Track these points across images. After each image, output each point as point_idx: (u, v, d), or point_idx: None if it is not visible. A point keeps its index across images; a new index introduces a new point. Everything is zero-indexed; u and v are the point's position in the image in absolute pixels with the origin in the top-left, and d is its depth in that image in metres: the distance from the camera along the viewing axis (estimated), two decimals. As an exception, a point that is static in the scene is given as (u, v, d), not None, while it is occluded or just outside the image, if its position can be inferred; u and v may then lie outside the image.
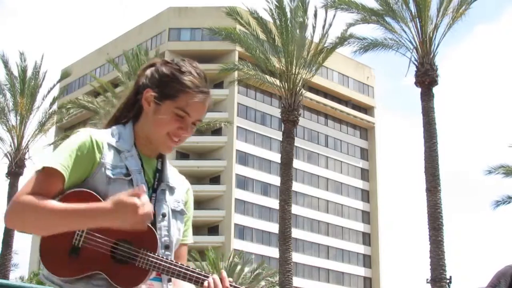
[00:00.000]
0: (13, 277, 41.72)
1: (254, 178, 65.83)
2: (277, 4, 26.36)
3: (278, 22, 26.56)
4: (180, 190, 2.44)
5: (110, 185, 2.22)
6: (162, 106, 2.31)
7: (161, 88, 2.34)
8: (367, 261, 72.44)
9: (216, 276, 2.26)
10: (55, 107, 32.31)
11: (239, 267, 39.57)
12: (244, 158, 66.00)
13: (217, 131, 61.79)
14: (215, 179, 65.19)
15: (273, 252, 53.00)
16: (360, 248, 72.25)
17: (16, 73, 31.09)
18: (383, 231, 77.23)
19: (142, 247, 2.21)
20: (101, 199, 2.18)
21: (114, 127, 2.36)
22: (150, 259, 2.21)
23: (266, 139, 67.89)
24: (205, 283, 2.24)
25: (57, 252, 2.19)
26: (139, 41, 60.04)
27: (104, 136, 2.29)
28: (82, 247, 2.19)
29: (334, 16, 26.50)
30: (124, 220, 2.10)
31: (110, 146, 2.28)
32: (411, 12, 24.80)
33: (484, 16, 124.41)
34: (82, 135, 2.25)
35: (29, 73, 31.28)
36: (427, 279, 23.46)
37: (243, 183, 65.09)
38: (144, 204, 2.11)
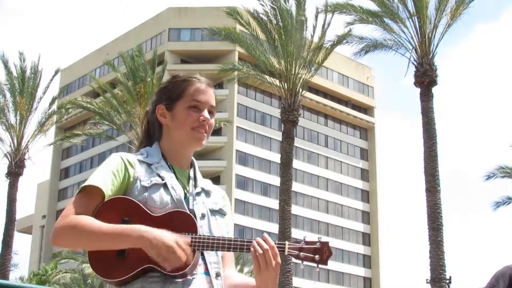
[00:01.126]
0: (13, 277, 41.70)
1: (254, 178, 65.85)
2: (273, 5, 26.36)
3: (277, 22, 26.56)
4: (216, 195, 2.63)
5: (147, 192, 2.41)
6: (175, 109, 2.54)
7: (167, 96, 2.57)
8: (367, 261, 72.44)
9: (259, 239, 2.35)
10: (54, 107, 32.29)
11: (238, 267, 39.55)
12: (244, 158, 66.01)
13: (217, 131, 61.77)
14: (215, 179, 65.12)
15: (273, 252, 52.87)
16: (360, 248, 72.26)
17: (15, 73, 31.09)
18: (383, 231, 77.19)
19: (185, 232, 2.34)
20: (133, 199, 2.38)
21: (142, 149, 2.58)
22: (198, 240, 2.33)
23: (266, 139, 67.89)
24: (252, 248, 2.33)
25: (105, 258, 2.32)
26: (138, 41, 60.01)
27: (134, 155, 2.52)
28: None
29: (332, 16, 26.50)
30: (157, 253, 2.26)
31: (141, 162, 2.49)
32: (409, 12, 24.80)
33: (483, 16, 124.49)
34: (114, 157, 2.48)
35: (28, 73, 31.26)
36: (426, 279, 23.46)
37: (243, 183, 65.10)
38: (183, 249, 2.28)
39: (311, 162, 70.89)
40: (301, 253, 2.34)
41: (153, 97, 2.69)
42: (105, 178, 2.38)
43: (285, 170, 25.69)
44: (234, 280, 2.54)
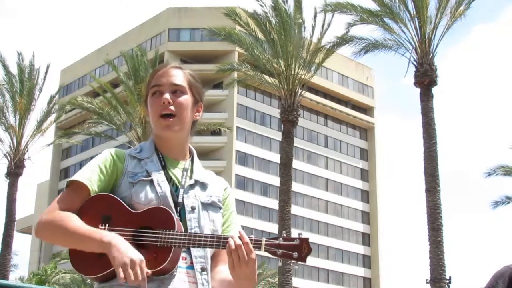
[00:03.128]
0: (13, 277, 41.70)
1: (253, 178, 65.85)
2: (273, 4, 26.37)
3: (276, 22, 26.56)
4: (216, 188, 2.58)
5: (133, 188, 2.42)
6: (147, 102, 2.56)
7: (145, 95, 2.61)
8: (367, 261, 72.44)
9: (234, 236, 2.31)
10: (53, 106, 32.26)
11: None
12: (243, 159, 66.02)
13: (216, 132, 61.70)
14: (214, 180, 65.19)
15: (273, 252, 52.91)
16: (360, 249, 72.25)
17: (14, 73, 31.09)
18: (383, 231, 77.25)
19: (162, 228, 2.32)
20: (118, 199, 2.38)
21: (138, 144, 2.62)
22: (169, 236, 2.30)
23: (265, 139, 67.89)
24: (228, 245, 2.28)
25: (84, 254, 2.32)
26: (138, 41, 60.05)
27: (125, 150, 2.54)
28: None
29: (333, 16, 26.51)
30: (118, 265, 2.22)
31: (131, 156, 2.50)
32: (409, 13, 24.81)
33: (483, 16, 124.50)
34: (103, 153, 2.49)
35: (26, 72, 31.24)
36: (426, 280, 23.43)
37: (243, 183, 65.10)
38: (139, 268, 2.21)
39: (311, 162, 70.89)
40: (279, 250, 2.27)
41: None
42: (92, 173, 2.40)
43: (285, 170, 25.70)
44: (223, 275, 2.49)
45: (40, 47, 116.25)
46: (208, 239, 2.31)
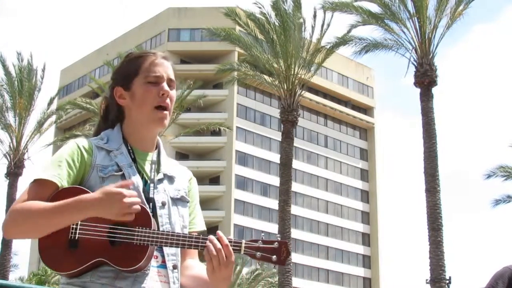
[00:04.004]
0: (13, 277, 41.69)
1: (253, 178, 65.83)
2: (273, 4, 26.37)
3: (276, 22, 26.57)
4: (181, 180, 2.53)
5: (104, 183, 2.30)
6: (133, 88, 2.43)
7: (123, 76, 2.46)
8: (367, 261, 72.43)
9: (212, 237, 2.28)
10: (53, 107, 32.28)
11: (238, 267, 39.53)
12: (243, 159, 66.00)
13: (216, 132, 61.74)
14: (214, 180, 65.19)
15: (273, 252, 52.88)
16: (360, 249, 72.24)
17: (13, 73, 31.09)
18: (383, 231, 77.25)
19: (138, 226, 2.25)
20: (87, 190, 2.27)
21: (102, 133, 2.47)
22: (146, 234, 2.24)
23: (265, 139, 67.88)
24: (209, 251, 2.24)
25: (56, 249, 2.25)
26: (138, 41, 60.07)
27: (92, 141, 2.40)
28: (80, 239, 2.25)
29: (332, 16, 26.53)
30: (111, 208, 2.16)
31: (99, 148, 2.38)
32: (409, 13, 24.81)
33: (483, 16, 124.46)
34: (69, 145, 2.37)
35: (26, 72, 31.24)
36: (426, 280, 23.45)
37: (243, 183, 65.08)
38: (131, 194, 2.18)
39: (310, 162, 70.88)
40: (258, 253, 2.25)
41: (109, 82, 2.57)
42: (60, 169, 2.29)
43: (285, 170, 25.70)
44: (194, 271, 2.46)
45: (40, 47, 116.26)
46: (187, 239, 2.27)
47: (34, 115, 31.74)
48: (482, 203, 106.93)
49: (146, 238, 2.24)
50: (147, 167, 2.43)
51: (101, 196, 2.16)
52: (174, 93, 2.46)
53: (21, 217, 2.21)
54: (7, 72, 30.86)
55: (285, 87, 26.94)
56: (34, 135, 31.11)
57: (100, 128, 2.52)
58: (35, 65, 31.55)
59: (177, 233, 2.30)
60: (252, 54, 27.12)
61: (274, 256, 2.26)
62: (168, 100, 2.43)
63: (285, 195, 25.32)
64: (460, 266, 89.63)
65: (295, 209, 49.65)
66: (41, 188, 2.27)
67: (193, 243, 2.27)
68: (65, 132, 50.49)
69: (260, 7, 26.33)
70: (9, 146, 30.77)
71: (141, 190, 2.35)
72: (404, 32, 25.06)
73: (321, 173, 71.58)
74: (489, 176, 27.02)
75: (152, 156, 2.47)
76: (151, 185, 2.40)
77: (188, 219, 2.51)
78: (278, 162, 27.53)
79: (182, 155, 64.64)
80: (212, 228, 63.07)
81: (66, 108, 32.43)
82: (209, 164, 64.99)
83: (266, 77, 27.84)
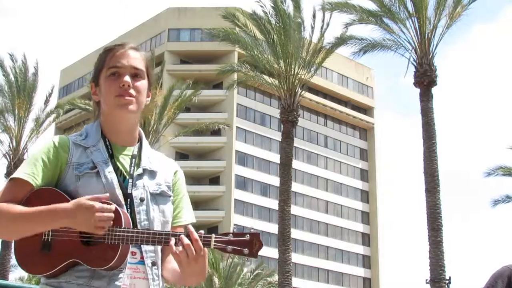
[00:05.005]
0: (13, 278, 41.68)
1: (253, 178, 65.83)
2: (273, 5, 26.38)
3: (275, 23, 26.57)
4: (165, 173, 2.50)
5: (79, 181, 2.31)
6: (100, 82, 2.45)
7: (94, 71, 2.49)
8: (367, 261, 72.43)
9: (183, 236, 2.26)
10: (51, 107, 32.28)
11: (238, 267, 39.52)
12: (243, 159, 66.00)
13: (216, 132, 61.75)
14: (214, 180, 65.19)
15: (273, 252, 52.99)
16: (360, 249, 72.24)
17: (12, 74, 31.10)
18: (383, 231, 77.18)
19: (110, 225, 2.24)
20: (62, 193, 2.29)
21: (83, 128, 2.48)
22: (117, 233, 2.23)
23: (265, 139, 67.88)
24: (171, 242, 2.23)
25: (29, 252, 2.27)
26: (138, 41, 60.01)
27: (69, 138, 2.41)
28: (53, 241, 2.27)
29: (331, 16, 26.52)
30: (81, 222, 2.18)
31: (76, 145, 2.39)
32: (408, 13, 24.81)
33: (482, 16, 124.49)
34: (45, 144, 2.38)
35: (23, 72, 31.24)
36: (426, 280, 23.45)
37: (243, 183, 65.08)
38: (103, 209, 2.19)
39: (310, 163, 70.88)
40: (229, 247, 2.23)
41: None
42: (35, 167, 2.30)
43: (285, 170, 25.70)
44: (172, 264, 2.45)
45: (40, 47, 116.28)
46: (157, 236, 2.25)
47: (33, 115, 31.75)
48: (481, 203, 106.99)
49: (117, 237, 2.22)
50: (126, 162, 2.42)
51: (73, 208, 2.19)
52: (142, 82, 2.43)
53: None
54: (5, 73, 30.89)
55: (285, 87, 26.94)
56: (33, 135, 31.13)
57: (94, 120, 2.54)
58: (34, 65, 31.57)
59: (147, 230, 2.27)
60: (252, 54, 27.11)
61: (246, 249, 2.23)
62: (132, 91, 2.40)
63: (285, 195, 25.32)
64: (460, 266, 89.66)
65: (295, 209, 49.65)
66: (16, 187, 2.29)
67: (163, 240, 2.25)
68: (65, 132, 50.48)
69: (262, 6, 26.34)
70: (9, 146, 30.80)
71: (116, 186, 2.34)
72: (403, 32, 25.07)
73: (321, 173, 71.58)
74: (489, 174, 27.08)
75: (133, 150, 2.45)
76: (130, 180, 2.38)
77: (171, 214, 2.48)
78: (278, 162, 27.53)
79: (182, 155, 64.64)
80: (212, 228, 63.06)
81: (65, 107, 32.40)
82: (209, 164, 64.99)
83: (266, 77, 27.84)
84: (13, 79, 30.94)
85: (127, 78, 2.39)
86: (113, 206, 2.23)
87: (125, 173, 2.39)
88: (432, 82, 24.38)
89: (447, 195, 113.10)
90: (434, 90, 24.43)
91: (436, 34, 24.82)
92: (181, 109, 31.38)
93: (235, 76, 31.84)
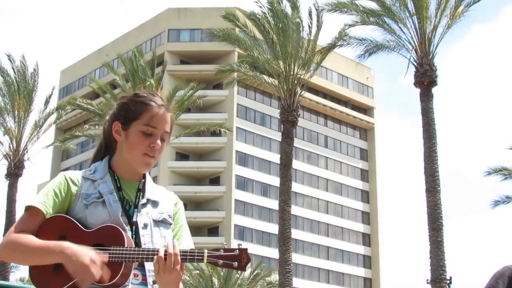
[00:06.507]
0: (13, 278, 41.68)
1: (253, 179, 65.82)
2: (269, 6, 26.39)
3: (274, 23, 26.57)
4: (167, 204, 2.74)
5: (87, 209, 2.57)
6: (130, 130, 2.64)
7: (125, 115, 2.66)
8: (367, 261, 72.42)
9: (160, 250, 2.47)
10: (51, 107, 32.26)
11: (236, 275, 39.49)
12: (243, 159, 66.00)
13: (216, 132, 61.78)
14: (214, 180, 65.18)
15: (273, 253, 53.01)
16: (360, 249, 72.24)
17: (12, 75, 31.10)
18: (383, 231, 77.18)
19: (113, 245, 2.48)
20: (72, 219, 2.54)
21: (92, 165, 2.73)
22: (119, 252, 2.47)
23: (265, 140, 67.87)
24: (155, 258, 2.46)
25: (43, 272, 2.50)
26: (138, 42, 59.95)
27: (80, 173, 2.67)
28: None
29: (329, 15, 26.55)
30: (73, 271, 2.41)
31: (85, 179, 2.64)
32: (409, 13, 24.80)
33: (482, 15, 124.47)
34: (58, 177, 2.64)
35: (22, 73, 31.23)
36: (427, 280, 23.43)
37: (243, 184, 65.08)
38: (93, 265, 2.40)
39: (310, 163, 70.87)
40: (220, 261, 2.45)
41: (113, 109, 2.76)
42: (47, 197, 2.56)
43: (285, 170, 25.70)
44: None
45: (40, 48, 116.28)
46: (150, 253, 2.47)
47: (33, 116, 31.76)
48: (481, 204, 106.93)
49: (118, 255, 2.45)
50: (132, 193, 2.66)
51: (73, 257, 2.41)
52: (165, 144, 2.68)
53: (11, 250, 2.50)
54: (4, 74, 30.88)
55: (285, 87, 26.94)
56: (33, 136, 31.12)
57: (97, 154, 2.76)
58: (28, 65, 31.59)
59: (146, 249, 2.51)
60: (252, 54, 27.12)
61: (235, 263, 2.45)
62: (156, 151, 2.64)
63: (285, 195, 25.32)
64: (461, 266, 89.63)
65: (295, 210, 49.64)
66: (31, 215, 2.54)
67: (150, 257, 2.48)
68: (65, 132, 50.43)
69: (260, 6, 26.36)
70: (9, 147, 30.80)
71: (119, 214, 2.57)
72: (404, 32, 25.06)
73: (321, 173, 71.57)
74: (489, 174, 27.07)
75: (139, 184, 2.69)
76: (135, 209, 2.62)
77: (171, 239, 2.68)
78: (278, 162, 27.53)
79: (182, 155, 64.62)
80: (212, 229, 63.11)
81: (65, 108, 32.41)
82: (209, 165, 64.99)
83: (266, 77, 27.84)
84: (12, 79, 30.94)
85: (158, 141, 2.63)
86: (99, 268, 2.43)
87: (131, 203, 2.64)
88: (433, 82, 24.38)
89: (447, 195, 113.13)
90: (434, 90, 24.44)
91: (437, 34, 24.82)
92: (183, 110, 31.40)
93: (235, 75, 31.82)
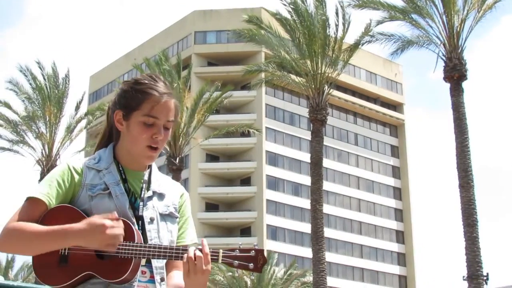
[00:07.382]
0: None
1: (284, 178, 65.76)
2: (293, 6, 26.32)
3: (300, 21, 26.49)
4: (172, 196, 2.65)
5: (92, 201, 2.47)
6: (130, 120, 2.53)
7: (125, 103, 2.55)
8: (402, 259, 71.89)
9: (194, 249, 2.38)
10: (81, 113, 32.59)
11: (273, 268, 39.51)
12: (274, 159, 65.97)
13: (246, 133, 61.83)
14: (245, 181, 65.24)
15: (306, 252, 52.90)
16: (394, 246, 71.74)
17: (43, 81, 31.47)
18: (417, 228, 76.57)
19: (124, 240, 2.37)
20: (77, 209, 2.45)
21: (96, 153, 2.63)
22: (130, 248, 2.37)
23: (295, 139, 67.78)
24: (185, 257, 2.36)
25: (48, 265, 2.41)
26: (165, 45, 60.30)
27: (83, 162, 2.57)
28: (69, 254, 2.42)
29: (358, 13, 26.40)
30: (93, 240, 2.30)
31: (89, 168, 2.54)
32: (436, 7, 24.55)
33: (510, 6, 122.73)
34: (60, 166, 2.54)
35: (53, 80, 31.58)
36: (463, 277, 23.15)
37: (274, 183, 65.05)
38: (114, 226, 2.30)
39: (341, 161, 70.60)
40: (235, 262, 2.36)
41: (115, 95, 2.66)
42: (50, 188, 2.45)
43: (316, 169, 25.61)
44: (174, 280, 2.57)
45: (68, 54, 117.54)
46: (168, 250, 2.39)
47: (64, 122, 32.13)
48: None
49: (130, 252, 2.37)
50: (137, 185, 2.57)
51: (84, 228, 2.30)
52: (168, 133, 2.56)
53: (14, 237, 2.36)
54: (35, 81, 31.26)
55: (313, 86, 26.85)
56: (65, 141, 31.46)
57: (100, 142, 2.67)
58: (60, 71, 32.00)
59: (158, 245, 2.42)
60: (279, 54, 27.08)
61: (251, 264, 2.36)
62: (160, 142, 2.53)
63: (316, 194, 25.25)
64: (498, 262, 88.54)
65: (327, 208, 49.44)
66: (32, 206, 2.43)
67: (173, 254, 2.39)
68: (96, 137, 50.94)
69: (285, 5, 26.31)
70: (41, 153, 31.17)
71: (126, 207, 2.48)
72: (431, 27, 24.81)
73: (352, 171, 71.26)
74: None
75: (144, 175, 2.59)
76: (141, 203, 2.53)
77: (177, 234, 2.62)
78: (309, 161, 27.45)
79: (212, 157, 64.82)
80: (245, 229, 63.20)
81: (94, 113, 32.74)
82: (239, 165, 65.06)
83: (293, 76, 27.77)
84: (42, 86, 31.32)
85: (161, 131, 2.51)
86: (121, 223, 2.34)
87: (136, 195, 2.54)
88: (463, 76, 24.11)
89: (481, 190, 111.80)
90: (464, 84, 24.15)
91: (465, 27, 24.52)
92: (211, 111, 31.49)
93: (262, 76, 31.80)
